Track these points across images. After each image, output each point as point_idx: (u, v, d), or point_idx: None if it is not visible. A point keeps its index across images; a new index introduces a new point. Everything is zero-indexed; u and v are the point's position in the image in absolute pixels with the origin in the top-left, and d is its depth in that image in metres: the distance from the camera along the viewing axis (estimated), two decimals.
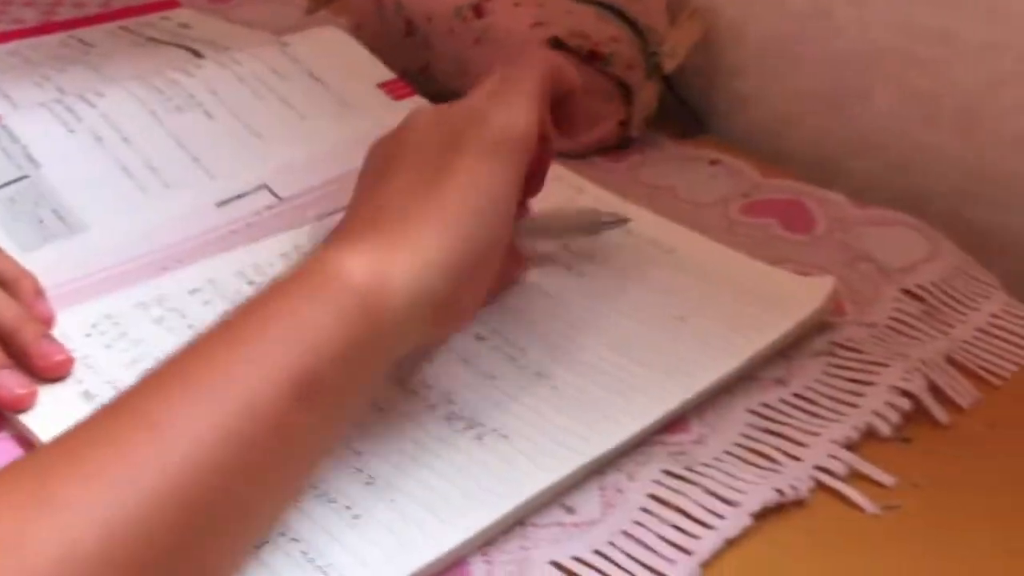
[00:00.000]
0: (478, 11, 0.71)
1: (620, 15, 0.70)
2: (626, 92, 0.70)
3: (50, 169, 0.62)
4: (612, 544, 0.44)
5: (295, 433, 0.38)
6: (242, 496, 0.36)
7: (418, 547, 0.42)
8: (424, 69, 0.76)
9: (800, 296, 0.56)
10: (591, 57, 0.69)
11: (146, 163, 0.64)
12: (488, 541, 0.44)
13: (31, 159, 0.62)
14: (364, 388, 0.42)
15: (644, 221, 0.62)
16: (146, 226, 0.61)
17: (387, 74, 0.74)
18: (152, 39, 0.80)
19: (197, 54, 0.77)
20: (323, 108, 0.70)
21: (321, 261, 0.42)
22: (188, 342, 0.40)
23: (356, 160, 0.67)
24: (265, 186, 0.65)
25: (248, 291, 0.56)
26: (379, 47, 0.77)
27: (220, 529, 0.36)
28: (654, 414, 0.49)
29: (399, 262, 0.42)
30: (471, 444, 0.47)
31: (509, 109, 0.47)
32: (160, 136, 0.66)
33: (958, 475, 0.48)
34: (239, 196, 0.64)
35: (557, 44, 0.69)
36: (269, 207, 0.64)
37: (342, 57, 0.75)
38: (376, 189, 0.47)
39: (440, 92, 0.75)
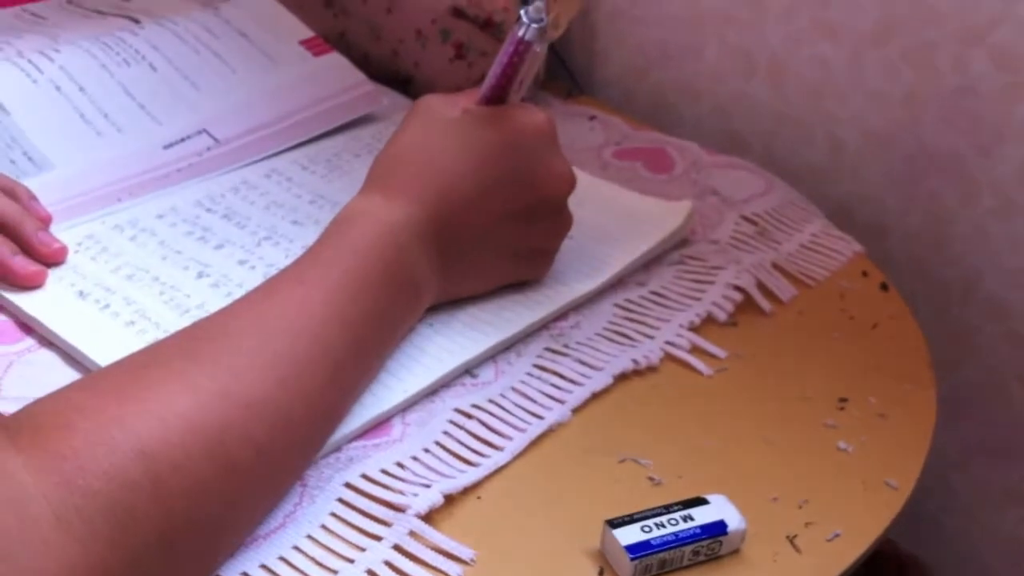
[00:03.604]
0: None
1: None
2: None
3: (18, 116, 0.71)
4: (503, 396, 0.56)
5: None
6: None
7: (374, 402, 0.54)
8: (342, 36, 0.87)
9: (665, 217, 0.68)
10: (486, 24, 0.80)
11: (100, 110, 0.74)
12: (408, 406, 0.56)
13: (1, 107, 0.72)
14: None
15: None
16: (103, 164, 0.71)
17: (307, 32, 0.84)
18: (98, 11, 0.89)
19: (138, 23, 0.86)
20: (252, 62, 0.80)
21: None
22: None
23: (282, 107, 0.78)
24: (204, 130, 0.75)
25: (205, 217, 0.67)
26: (300, 18, 0.88)
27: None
28: (547, 310, 0.61)
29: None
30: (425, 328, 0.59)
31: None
32: (111, 86, 0.75)
33: (773, 347, 0.62)
34: (182, 140, 0.74)
35: (458, 12, 0.80)
36: (209, 148, 0.74)
37: (267, 18, 0.85)
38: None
39: (356, 56, 0.86)
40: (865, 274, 0.68)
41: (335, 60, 0.82)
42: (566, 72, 0.88)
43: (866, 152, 0.79)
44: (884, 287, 0.67)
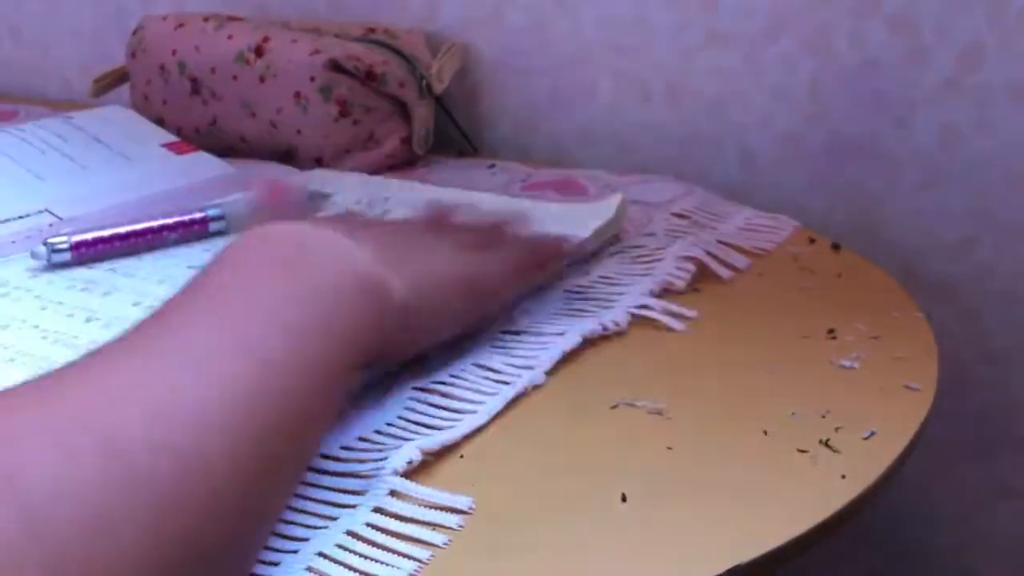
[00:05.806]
0: (259, 51, 0.78)
1: (385, 46, 0.79)
2: (403, 109, 0.78)
3: None
4: (464, 371, 0.49)
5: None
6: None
7: None
8: (212, 123, 0.82)
9: (596, 211, 0.64)
10: (368, 77, 0.76)
11: None
12: None
13: None
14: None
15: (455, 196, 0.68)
16: None
17: (170, 136, 0.79)
18: None
19: None
20: (106, 161, 0.74)
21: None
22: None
23: (137, 192, 0.71)
24: (47, 210, 0.68)
25: (86, 272, 0.60)
26: (168, 111, 0.83)
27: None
28: None
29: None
30: None
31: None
32: None
33: (742, 304, 0.57)
34: (20, 217, 0.67)
35: (336, 66, 0.76)
36: (51, 224, 0.67)
37: (126, 126, 0.79)
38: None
39: (228, 145, 0.81)
40: (812, 241, 0.65)
41: (199, 157, 0.76)
42: (458, 134, 0.84)
43: (779, 156, 0.76)
44: (836, 247, 0.64)
